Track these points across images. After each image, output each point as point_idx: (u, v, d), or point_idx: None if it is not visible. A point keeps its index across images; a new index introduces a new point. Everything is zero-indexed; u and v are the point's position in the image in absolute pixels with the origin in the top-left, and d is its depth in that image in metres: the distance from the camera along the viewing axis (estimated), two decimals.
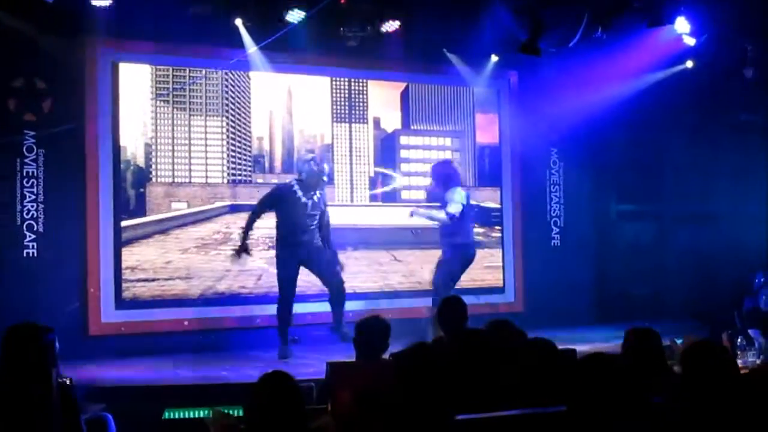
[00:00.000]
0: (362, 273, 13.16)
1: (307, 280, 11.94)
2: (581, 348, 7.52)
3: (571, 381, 4.33)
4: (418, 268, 13.52)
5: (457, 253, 11.63)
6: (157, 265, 12.04)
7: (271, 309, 11.81)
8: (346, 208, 13.37)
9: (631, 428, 4.20)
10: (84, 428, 5.79)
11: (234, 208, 12.66)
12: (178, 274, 12.13)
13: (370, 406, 5.51)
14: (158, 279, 11.99)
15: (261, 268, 12.56)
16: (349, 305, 11.81)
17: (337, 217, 12.63)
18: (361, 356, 6.65)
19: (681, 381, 4.79)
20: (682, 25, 12.40)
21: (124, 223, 11.86)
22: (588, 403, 4.24)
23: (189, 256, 12.26)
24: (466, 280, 13.18)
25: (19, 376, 5.43)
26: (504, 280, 14.24)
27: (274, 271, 11.56)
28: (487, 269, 14.18)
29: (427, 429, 4.94)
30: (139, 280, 11.92)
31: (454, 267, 11.64)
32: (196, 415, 8.50)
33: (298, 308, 12.29)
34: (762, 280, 12.57)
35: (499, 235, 14.53)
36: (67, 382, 5.88)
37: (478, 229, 14.05)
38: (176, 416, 8.53)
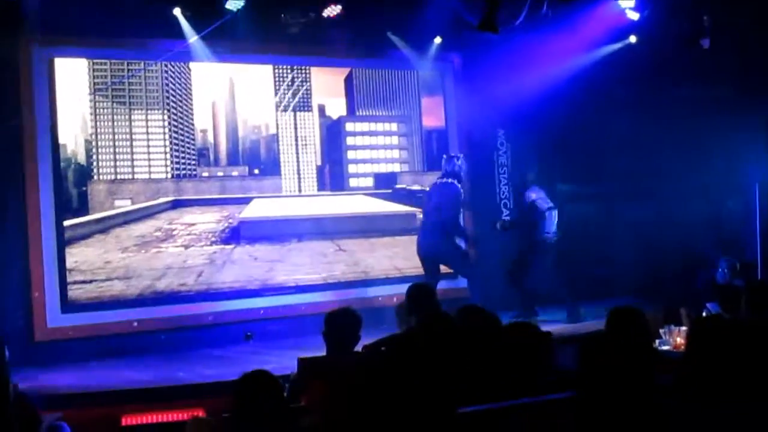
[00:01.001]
0: (305, 265, 12.91)
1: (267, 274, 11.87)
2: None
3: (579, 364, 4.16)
4: (364, 257, 13.35)
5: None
6: (96, 265, 11.70)
7: (220, 306, 11.90)
8: (293, 198, 13.15)
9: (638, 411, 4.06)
10: None
11: (177, 204, 12.41)
12: (117, 274, 11.79)
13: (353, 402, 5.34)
14: (96, 280, 11.66)
15: (201, 265, 12.29)
16: (293, 298, 12.01)
17: (283, 208, 12.64)
18: (332, 350, 6.41)
19: (687, 358, 4.60)
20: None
21: (66, 223, 11.49)
22: (597, 387, 4.06)
23: (128, 255, 11.95)
24: (416, 266, 13.09)
25: None
26: None
27: (213, 268, 11.81)
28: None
29: (416, 422, 4.75)
30: (81, 282, 11.57)
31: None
32: (156, 420, 8.26)
33: (251, 303, 12.19)
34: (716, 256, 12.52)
35: None
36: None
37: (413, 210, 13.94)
38: (135, 422, 8.24)
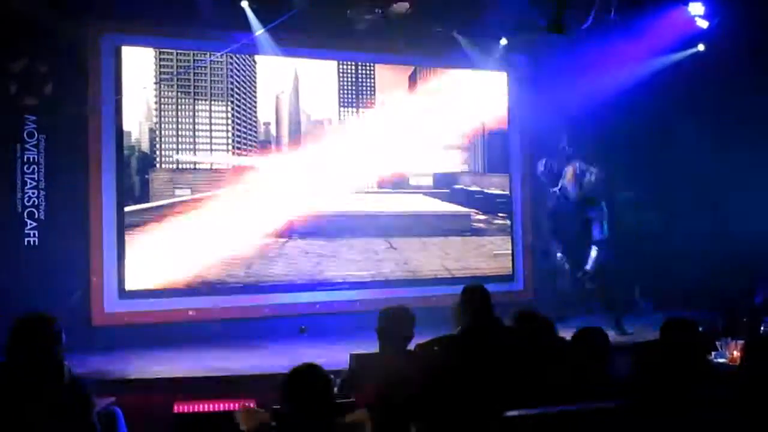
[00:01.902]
0: (355, 261, 12.93)
1: (316, 269, 11.87)
2: None
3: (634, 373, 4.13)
4: (414, 256, 13.35)
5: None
6: (149, 253, 11.77)
7: (273, 299, 12.12)
8: (350, 194, 13.19)
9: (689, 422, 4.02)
10: (97, 424, 5.55)
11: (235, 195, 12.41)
12: (168, 263, 11.86)
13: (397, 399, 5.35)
14: (149, 268, 11.73)
15: (252, 257, 12.39)
16: (344, 294, 12.19)
17: (339, 204, 12.80)
18: (385, 346, 6.39)
19: (744, 373, 4.55)
20: (695, 7, 12.20)
21: (127, 209, 11.60)
22: (650, 396, 4.03)
23: (181, 243, 12.00)
24: (485, 267, 13.14)
25: (31, 370, 5.19)
26: (513, 267, 13.99)
27: (263, 261, 12.12)
28: (496, 257, 13.95)
29: (466, 422, 4.75)
30: (139, 269, 11.65)
31: None
32: (208, 409, 8.29)
33: (304, 297, 12.23)
34: None
35: (502, 222, 14.27)
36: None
37: (480, 216, 13.90)
38: (187, 410, 8.28)
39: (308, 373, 4.57)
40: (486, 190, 14.17)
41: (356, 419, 4.80)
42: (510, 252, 14.12)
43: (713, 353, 8.41)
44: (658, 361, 5.14)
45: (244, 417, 5.08)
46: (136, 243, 11.69)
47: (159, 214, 11.90)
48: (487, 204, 14.21)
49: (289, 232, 12.67)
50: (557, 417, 4.54)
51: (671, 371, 5.12)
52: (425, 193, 13.57)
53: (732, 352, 8.24)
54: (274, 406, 4.98)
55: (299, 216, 12.74)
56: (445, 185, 13.88)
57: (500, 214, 14.27)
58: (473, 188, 14.11)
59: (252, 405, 8.05)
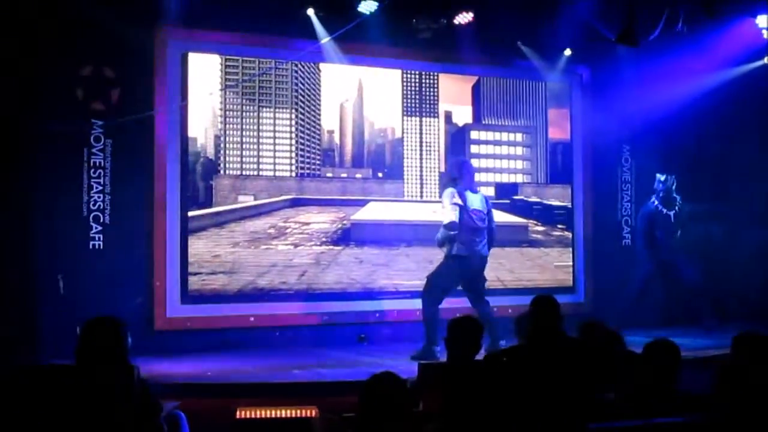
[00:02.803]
0: (409, 271, 12.85)
1: (369, 278, 12.03)
2: None
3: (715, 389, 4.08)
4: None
5: (448, 264, 11.12)
6: (204, 258, 11.83)
7: (330, 307, 12.20)
8: (409, 203, 13.23)
9: None
10: (164, 427, 5.59)
11: (295, 202, 12.49)
12: (223, 268, 11.90)
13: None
14: (201, 273, 11.76)
15: (306, 264, 12.40)
16: (400, 303, 12.34)
17: (397, 213, 12.97)
18: (453, 357, 6.37)
19: None
20: (763, 20, 12.12)
21: (190, 213, 11.72)
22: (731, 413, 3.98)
23: (237, 250, 12.05)
24: (539, 279, 13.14)
25: (102, 373, 5.22)
26: (574, 279, 13.92)
27: (317, 268, 12.24)
28: (552, 269, 13.90)
29: None
30: (202, 274, 11.72)
31: (446, 280, 11.10)
32: (270, 415, 8.32)
33: (366, 306, 12.24)
34: None
35: (560, 233, 14.23)
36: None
37: (538, 227, 13.85)
38: (250, 415, 8.31)
39: (388, 380, 4.56)
40: (545, 201, 14.11)
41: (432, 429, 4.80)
42: (571, 264, 14.01)
43: None
44: (729, 376, 5.06)
45: (322, 425, 5.09)
46: (199, 248, 11.76)
47: (222, 219, 11.97)
48: (546, 215, 14.16)
49: (345, 240, 12.68)
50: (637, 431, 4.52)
51: (744, 387, 5.04)
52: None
53: None
54: (345, 414, 4.98)
55: (357, 224, 12.76)
56: (506, 196, 13.83)
57: (559, 226, 14.20)
58: (533, 199, 14.06)
59: (314, 412, 8.09)
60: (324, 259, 12.48)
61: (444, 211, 10.88)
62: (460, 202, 10.79)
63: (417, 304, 11.07)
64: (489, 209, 11.21)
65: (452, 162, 12.18)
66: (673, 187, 13.26)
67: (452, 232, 10.80)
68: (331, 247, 12.59)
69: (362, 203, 12.90)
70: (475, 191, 11.09)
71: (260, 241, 12.19)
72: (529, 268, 13.74)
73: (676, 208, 13.32)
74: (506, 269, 13.57)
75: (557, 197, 14.19)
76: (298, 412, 8.31)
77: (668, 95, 13.01)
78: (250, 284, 11.98)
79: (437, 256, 11.27)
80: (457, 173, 11.15)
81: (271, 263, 12.17)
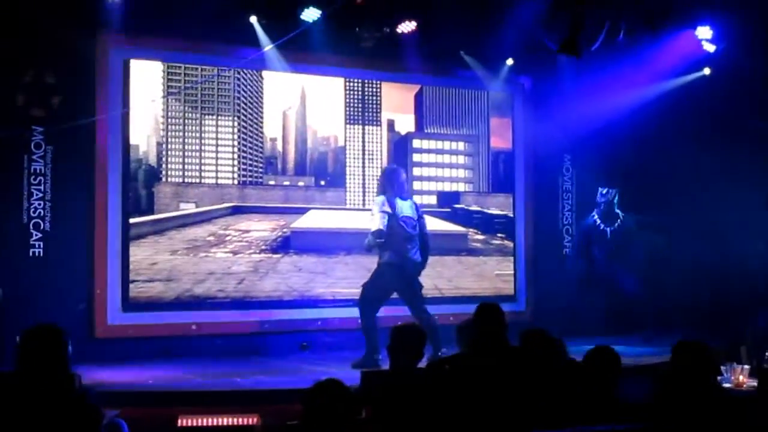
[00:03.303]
0: (347, 279, 12.83)
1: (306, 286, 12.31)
2: None
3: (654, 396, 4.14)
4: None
5: (381, 272, 11.18)
6: (142, 266, 11.75)
7: (278, 314, 12.25)
8: (349, 211, 13.27)
9: None
10: None
11: (236, 210, 12.49)
12: (159, 275, 11.83)
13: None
14: (137, 281, 11.69)
15: (244, 272, 12.38)
16: (340, 311, 12.32)
17: (338, 221, 13.05)
18: (395, 365, 6.38)
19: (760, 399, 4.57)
20: (703, 31, 12.27)
21: (132, 220, 11.66)
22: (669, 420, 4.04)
23: (176, 257, 11.99)
24: (477, 287, 13.19)
25: (41, 381, 5.17)
26: (515, 288, 14.00)
27: (255, 276, 12.17)
28: (498, 277, 13.96)
29: None
30: (142, 282, 11.66)
31: (380, 288, 11.15)
32: (212, 423, 8.29)
33: (307, 314, 12.25)
34: None
35: (499, 242, 14.32)
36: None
37: (478, 236, 13.91)
38: (191, 423, 8.27)
39: (331, 387, 4.56)
40: (486, 210, 14.18)
41: None
42: (512, 272, 14.08)
43: (718, 378, 8.42)
44: (669, 384, 5.13)
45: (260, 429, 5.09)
46: (138, 256, 11.69)
47: (161, 227, 11.91)
48: (487, 224, 14.23)
49: (285, 248, 12.68)
50: None
51: (682, 394, 5.11)
52: (427, 212, 13.58)
53: (738, 377, 8.25)
54: (289, 422, 4.98)
55: (296, 231, 12.78)
56: (448, 204, 13.89)
57: (499, 235, 14.28)
58: (474, 208, 14.12)
59: (256, 420, 8.07)
60: (262, 267, 12.46)
61: (373, 219, 10.98)
62: (388, 209, 10.84)
63: (358, 312, 11.09)
64: (420, 215, 11.25)
65: (383, 170, 12.22)
66: (615, 201, 13.33)
67: (379, 240, 10.88)
68: (270, 255, 12.58)
69: (303, 211, 12.91)
70: (405, 198, 11.13)
71: (199, 248, 12.14)
72: (468, 276, 13.78)
73: (617, 223, 13.36)
74: (445, 278, 13.61)
75: (499, 206, 14.27)
76: (241, 420, 8.29)
77: (609, 106, 13.13)
78: (187, 292, 11.92)
79: (375, 264, 11.27)
80: (386, 181, 11.20)
81: (209, 271, 12.12)
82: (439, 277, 13.46)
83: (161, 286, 11.79)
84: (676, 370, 5.61)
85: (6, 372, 5.36)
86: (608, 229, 13.10)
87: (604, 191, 13.32)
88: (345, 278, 12.79)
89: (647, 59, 12.65)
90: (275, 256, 12.60)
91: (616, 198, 13.30)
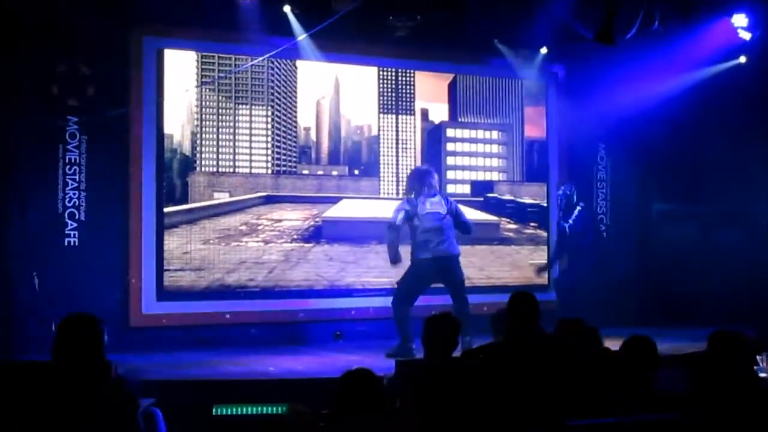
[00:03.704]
0: (378, 268, 12.78)
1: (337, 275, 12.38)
2: None
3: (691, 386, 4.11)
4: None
5: (411, 268, 11.27)
6: (174, 255, 11.80)
7: (311, 303, 12.26)
8: (383, 201, 13.18)
9: None
10: (141, 423, 5.57)
11: (269, 199, 12.50)
12: (191, 265, 11.88)
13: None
14: (170, 269, 11.74)
15: (275, 261, 12.39)
16: (376, 300, 12.24)
17: (370, 210, 13.03)
18: (429, 354, 6.38)
19: None
20: (739, 18, 12.17)
21: (166, 209, 11.73)
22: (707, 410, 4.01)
23: (208, 246, 12.02)
24: (509, 277, 13.39)
25: (79, 369, 5.20)
26: (549, 277, 13.92)
27: (285, 265, 12.26)
28: (531, 267, 13.90)
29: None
30: (177, 271, 11.73)
31: (409, 284, 11.22)
32: (246, 412, 8.33)
33: (341, 303, 12.25)
34: None
35: (532, 231, 14.28)
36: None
37: (510, 225, 13.87)
38: (226, 412, 8.31)
39: (362, 376, 4.57)
40: (519, 200, 14.14)
41: (405, 424, 4.80)
42: (545, 262, 14.01)
43: (754, 368, 8.36)
44: (705, 373, 5.09)
45: (294, 418, 5.08)
46: (172, 245, 11.74)
47: (194, 216, 11.95)
48: (519, 213, 14.20)
49: (316, 237, 12.70)
50: (614, 428, 4.54)
51: (719, 384, 5.08)
52: (460, 201, 13.55)
53: None
54: (322, 410, 4.98)
55: (328, 221, 12.80)
56: (481, 193, 13.85)
57: (531, 224, 14.23)
58: (506, 197, 14.08)
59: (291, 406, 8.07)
60: (293, 256, 12.47)
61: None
62: (406, 207, 11.08)
63: (390, 302, 11.12)
64: (450, 208, 11.24)
65: (414, 170, 12.19)
66: (574, 196, 13.06)
67: (392, 232, 11.13)
68: (301, 244, 12.59)
69: (336, 200, 12.93)
70: (432, 195, 11.14)
71: (231, 237, 12.16)
72: (500, 266, 13.75)
73: (573, 215, 13.07)
74: (476, 267, 13.55)
75: (533, 195, 14.22)
76: (274, 409, 8.32)
77: (644, 94, 13.04)
78: (218, 281, 11.96)
79: (406, 253, 11.27)
80: (417, 182, 11.29)
81: (241, 260, 12.15)
82: (471, 266, 13.36)
83: (193, 276, 11.84)
84: (712, 360, 5.58)
85: (43, 362, 5.38)
86: (566, 225, 12.90)
87: (560, 191, 13.09)
88: (376, 267, 12.75)
89: (682, 48, 12.54)
90: (307, 245, 12.61)
91: (575, 194, 13.05)
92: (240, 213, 12.32)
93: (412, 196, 11.10)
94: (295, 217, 12.56)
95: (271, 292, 12.21)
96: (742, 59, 13.29)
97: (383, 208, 12.85)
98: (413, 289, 11.06)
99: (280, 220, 12.52)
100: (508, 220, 14.07)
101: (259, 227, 12.38)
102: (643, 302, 14.25)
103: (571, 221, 12.71)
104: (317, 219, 12.73)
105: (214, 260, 11.99)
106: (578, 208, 12.72)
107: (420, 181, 11.20)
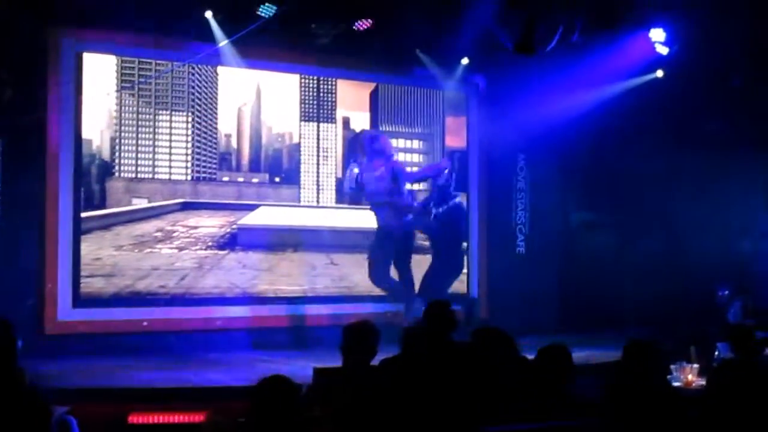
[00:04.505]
0: (292, 276, 12.80)
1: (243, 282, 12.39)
2: None
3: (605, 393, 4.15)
4: (352, 272, 13.36)
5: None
6: (84, 261, 11.64)
7: (224, 311, 12.21)
8: (300, 209, 13.23)
9: None
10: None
11: (186, 206, 12.43)
12: (102, 271, 11.73)
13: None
14: (81, 276, 11.60)
15: (188, 268, 12.32)
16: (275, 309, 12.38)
17: (287, 218, 13.02)
18: (349, 361, 6.36)
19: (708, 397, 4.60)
20: (657, 33, 12.33)
21: (83, 214, 11.59)
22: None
23: (120, 253, 11.90)
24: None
25: None
26: (468, 287, 14.00)
27: (198, 272, 12.18)
28: None
29: None
30: (93, 278, 11.59)
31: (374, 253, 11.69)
32: (162, 420, 8.23)
33: (256, 311, 12.27)
34: (726, 293, 12.41)
35: None
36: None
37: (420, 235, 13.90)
38: (142, 421, 8.21)
39: (278, 383, 4.53)
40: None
41: None
42: (465, 272, 14.09)
43: (668, 377, 8.47)
44: (619, 381, 5.15)
45: (210, 427, 5.03)
46: (86, 251, 11.60)
47: (108, 222, 11.82)
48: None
49: (231, 245, 12.63)
50: None
51: (632, 392, 5.13)
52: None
53: (687, 376, 8.29)
54: (239, 419, 4.93)
55: (244, 228, 12.74)
56: None
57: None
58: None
59: (206, 417, 8.01)
60: (207, 263, 12.41)
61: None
62: (356, 169, 11.56)
63: (306, 309, 11.17)
64: (395, 181, 11.63)
65: (359, 134, 12.35)
66: (451, 187, 13.33)
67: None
68: (215, 251, 12.53)
69: (254, 207, 12.88)
70: (374, 169, 11.40)
71: (145, 244, 12.07)
72: (417, 274, 13.71)
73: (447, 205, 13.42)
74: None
75: None
76: (191, 417, 8.25)
77: (564, 106, 13.17)
78: (128, 288, 11.84)
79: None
80: (359, 147, 11.43)
81: (153, 267, 12.05)
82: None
83: (102, 282, 11.68)
84: (626, 369, 5.64)
85: None
86: (434, 209, 13.11)
87: (444, 176, 13.33)
88: (289, 275, 12.73)
89: (602, 60, 12.68)
90: (221, 252, 12.56)
91: (452, 186, 13.24)
92: (156, 219, 12.24)
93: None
94: (211, 224, 12.49)
95: (181, 299, 12.10)
96: (659, 73, 13.48)
97: (303, 215, 12.85)
98: (380, 257, 12.26)
99: (196, 227, 12.44)
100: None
101: (174, 234, 12.30)
102: (562, 310, 14.40)
103: (440, 210, 12.89)
104: (233, 226, 12.65)
105: (125, 267, 11.85)
106: (456, 199, 12.94)
107: (362, 146, 11.58)
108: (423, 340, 6.41)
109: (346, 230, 13.39)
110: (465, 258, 13.99)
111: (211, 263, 12.41)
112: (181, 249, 12.27)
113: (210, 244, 12.44)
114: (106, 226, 11.82)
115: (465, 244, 13.96)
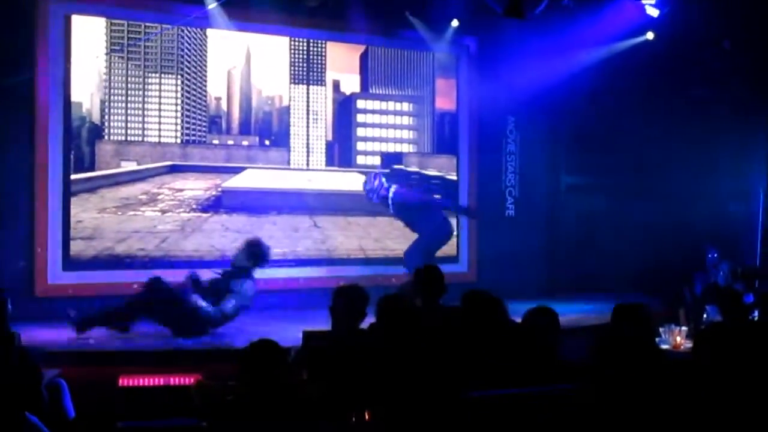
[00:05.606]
0: (273, 239, 12.47)
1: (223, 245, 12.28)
2: None
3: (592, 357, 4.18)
4: (334, 235, 13.39)
5: None
6: (91, 224, 11.69)
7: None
8: (286, 171, 13.22)
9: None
10: (45, 394, 5.52)
11: (174, 168, 12.42)
12: (82, 234, 11.68)
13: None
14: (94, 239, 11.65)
15: (168, 231, 12.29)
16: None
17: (273, 181, 13.03)
18: (337, 324, 6.39)
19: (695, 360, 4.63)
20: None
21: (73, 176, 11.56)
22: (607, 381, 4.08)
23: (103, 215, 11.86)
24: (390, 249, 13.66)
25: None
26: (458, 249, 14.03)
27: (179, 235, 12.19)
28: None
29: (420, 401, 4.78)
30: (84, 241, 11.59)
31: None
32: (152, 383, 8.27)
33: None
34: (715, 255, 12.43)
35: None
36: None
37: None
38: (132, 383, 8.25)
39: (266, 347, 4.56)
40: (423, 171, 14.17)
41: (307, 395, 4.81)
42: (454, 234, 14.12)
43: (656, 339, 8.51)
44: (607, 344, 5.17)
45: (199, 392, 5.07)
46: (75, 213, 11.60)
47: (94, 185, 11.78)
48: (423, 185, 14.24)
49: (215, 207, 12.63)
50: (516, 399, 4.59)
51: (621, 355, 5.17)
52: (362, 172, 13.55)
53: (675, 339, 8.35)
54: (230, 382, 4.97)
55: (228, 191, 12.74)
56: (389, 165, 13.87)
57: (435, 196, 14.24)
58: (412, 169, 14.11)
59: (197, 379, 8.05)
60: (189, 226, 12.40)
61: None
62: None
63: (296, 272, 11.15)
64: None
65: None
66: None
67: None
68: (199, 214, 12.51)
69: (241, 170, 12.87)
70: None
71: (129, 207, 12.04)
72: (396, 237, 13.70)
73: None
74: (372, 239, 13.69)
75: (443, 167, 14.27)
76: (182, 379, 8.29)
77: (554, 68, 13.17)
78: (107, 251, 11.81)
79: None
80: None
81: (134, 230, 12.03)
82: (367, 237, 13.57)
83: (81, 245, 11.64)
84: (615, 331, 5.68)
85: None
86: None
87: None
88: (271, 237, 12.45)
89: (592, 23, 12.67)
90: (204, 215, 12.53)
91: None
92: (142, 182, 12.21)
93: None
94: (197, 186, 12.46)
95: (160, 261, 12.00)
96: (650, 35, 13.46)
97: (290, 178, 12.85)
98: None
99: (181, 190, 12.41)
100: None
101: (159, 197, 12.28)
102: (552, 273, 14.45)
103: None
104: (219, 189, 12.64)
105: (105, 229, 11.82)
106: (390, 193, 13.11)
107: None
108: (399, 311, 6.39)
109: (331, 193, 13.40)
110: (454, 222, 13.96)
111: (193, 226, 12.39)
112: (164, 212, 12.25)
113: (194, 206, 12.42)
114: (93, 189, 11.78)
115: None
